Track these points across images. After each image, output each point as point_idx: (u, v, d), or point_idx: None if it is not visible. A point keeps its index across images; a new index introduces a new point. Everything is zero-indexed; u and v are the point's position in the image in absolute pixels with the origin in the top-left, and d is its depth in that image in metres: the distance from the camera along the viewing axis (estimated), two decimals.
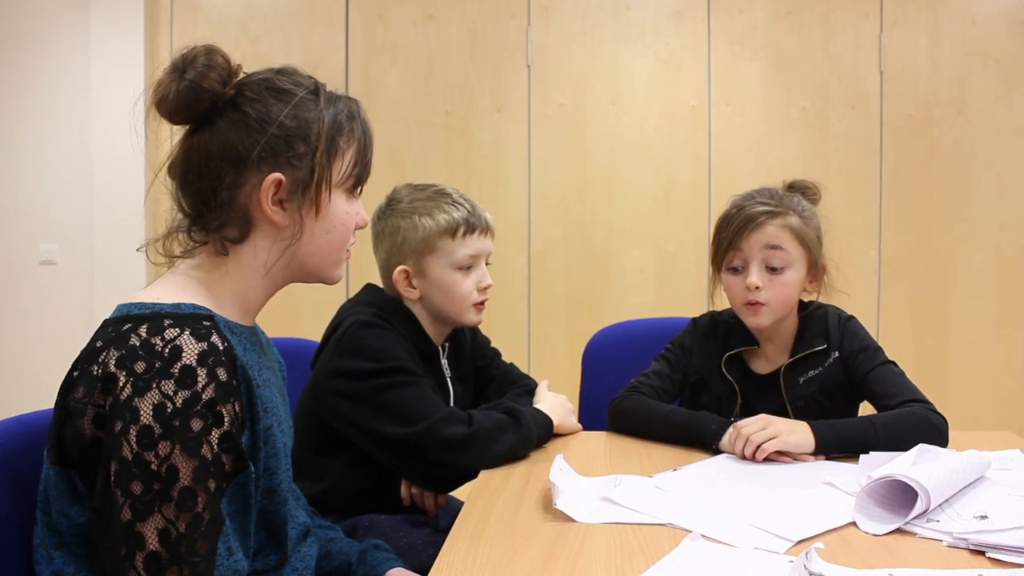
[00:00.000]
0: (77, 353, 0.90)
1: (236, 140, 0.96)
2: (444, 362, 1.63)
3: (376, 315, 1.50)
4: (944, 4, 3.62)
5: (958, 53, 3.62)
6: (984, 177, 3.65)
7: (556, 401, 1.60)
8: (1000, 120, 3.63)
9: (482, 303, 1.57)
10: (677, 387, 1.69)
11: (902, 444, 1.29)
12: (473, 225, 1.54)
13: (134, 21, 3.54)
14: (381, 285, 1.62)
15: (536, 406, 1.56)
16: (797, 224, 1.54)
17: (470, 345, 1.71)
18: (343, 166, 1.02)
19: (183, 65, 0.95)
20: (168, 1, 3.61)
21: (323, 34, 3.61)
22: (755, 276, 1.53)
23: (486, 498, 1.23)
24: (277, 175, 0.97)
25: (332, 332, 1.53)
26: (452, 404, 1.60)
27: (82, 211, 3.59)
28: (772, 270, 1.53)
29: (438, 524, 1.52)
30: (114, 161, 3.51)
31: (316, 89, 1.01)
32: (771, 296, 1.53)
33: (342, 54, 3.61)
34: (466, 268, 1.54)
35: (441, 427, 1.38)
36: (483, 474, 1.36)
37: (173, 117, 0.97)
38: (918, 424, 1.40)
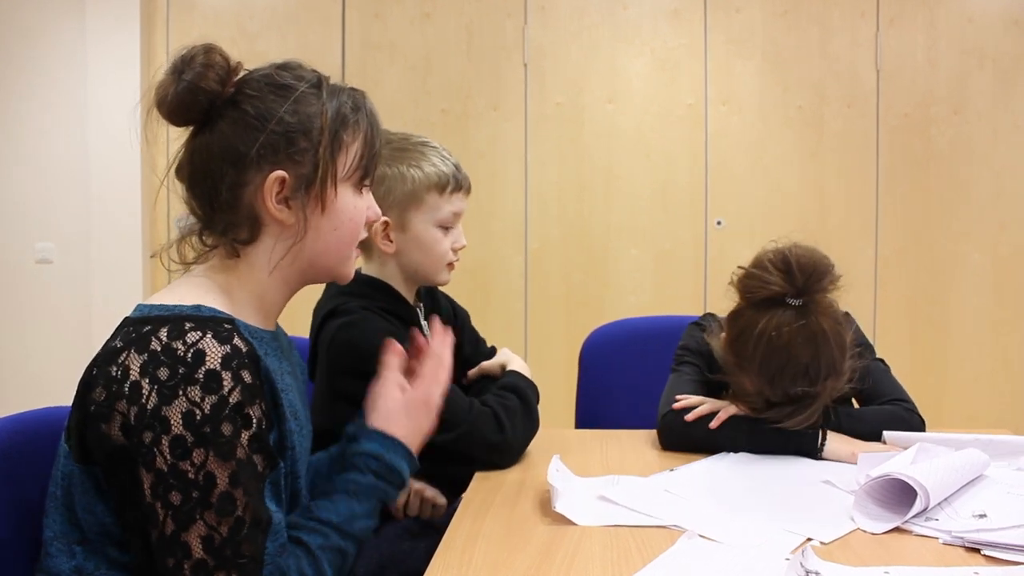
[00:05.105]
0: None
1: (235, 139, 0.95)
2: (424, 324, 1.58)
3: (355, 307, 1.45)
4: (941, 3, 3.62)
5: (955, 52, 3.62)
6: (981, 176, 3.65)
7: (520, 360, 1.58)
8: (997, 119, 3.63)
9: (453, 263, 1.54)
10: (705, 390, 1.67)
11: (863, 432, 1.39)
12: (460, 183, 1.50)
13: (130, 20, 3.54)
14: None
15: (511, 367, 1.54)
16: None
17: (450, 316, 1.65)
18: (348, 160, 1.00)
19: (181, 66, 0.94)
20: (164, 0, 3.61)
21: (320, 32, 3.60)
22: None
23: (482, 498, 1.22)
24: (280, 172, 0.96)
25: (317, 335, 1.49)
26: None
27: (79, 209, 3.58)
28: None
29: (443, 529, 1.50)
30: (111, 159, 3.50)
31: (318, 82, 1.00)
32: None
33: (339, 53, 3.60)
34: (446, 227, 1.50)
35: (482, 428, 1.36)
36: (479, 473, 1.35)
37: (173, 118, 0.96)
38: (888, 421, 1.43)
